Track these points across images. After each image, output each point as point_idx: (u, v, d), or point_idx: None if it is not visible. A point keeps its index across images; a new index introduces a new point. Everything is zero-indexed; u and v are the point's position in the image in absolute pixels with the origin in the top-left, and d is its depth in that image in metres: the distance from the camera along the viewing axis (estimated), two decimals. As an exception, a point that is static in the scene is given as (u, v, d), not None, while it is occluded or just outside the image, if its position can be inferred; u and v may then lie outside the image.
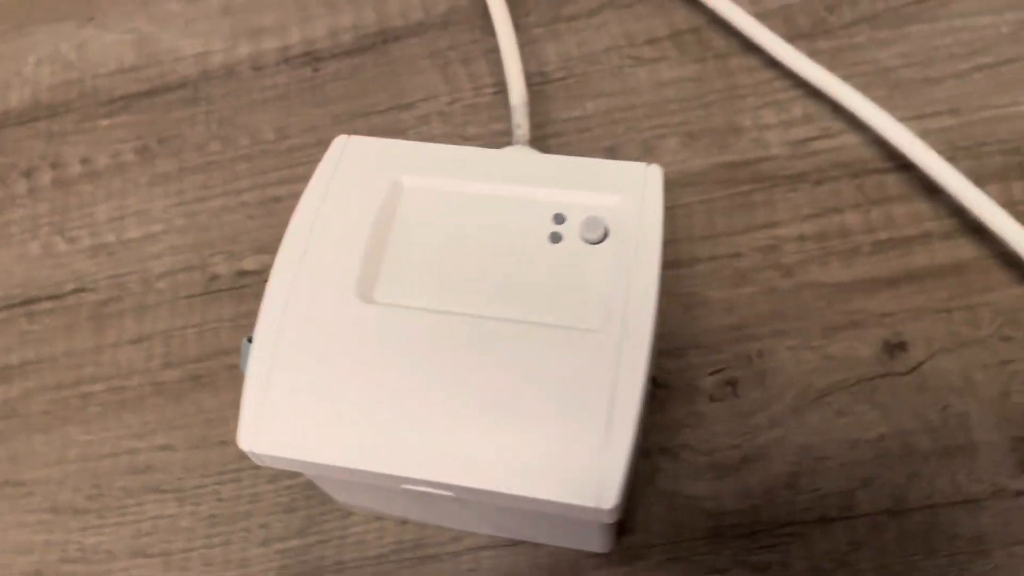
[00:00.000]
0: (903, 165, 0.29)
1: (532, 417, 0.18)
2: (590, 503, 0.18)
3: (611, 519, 0.19)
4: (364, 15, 0.35)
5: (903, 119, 0.30)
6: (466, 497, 0.19)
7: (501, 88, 0.32)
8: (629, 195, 0.21)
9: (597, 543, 0.24)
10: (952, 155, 0.29)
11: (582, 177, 0.21)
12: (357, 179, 0.21)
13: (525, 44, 0.33)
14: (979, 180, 0.28)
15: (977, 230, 0.28)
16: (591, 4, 0.33)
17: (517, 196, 0.21)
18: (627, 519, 0.25)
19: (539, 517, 0.22)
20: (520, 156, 0.23)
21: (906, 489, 0.25)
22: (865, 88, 0.30)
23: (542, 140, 0.31)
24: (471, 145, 0.31)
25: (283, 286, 0.20)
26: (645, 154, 0.30)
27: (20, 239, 0.32)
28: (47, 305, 0.30)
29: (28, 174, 0.33)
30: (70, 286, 0.31)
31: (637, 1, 0.33)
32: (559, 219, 0.21)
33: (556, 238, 0.21)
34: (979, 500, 0.24)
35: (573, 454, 0.18)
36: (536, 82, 0.32)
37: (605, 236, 0.21)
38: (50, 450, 0.28)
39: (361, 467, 0.18)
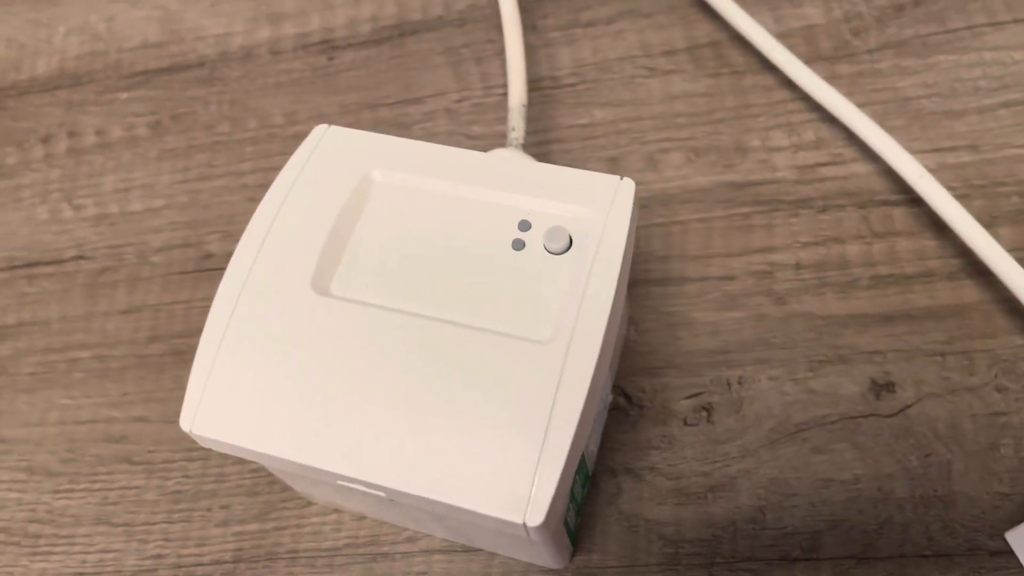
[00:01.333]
0: (913, 199, 0.28)
1: (468, 425, 0.18)
2: (516, 518, 0.17)
3: (540, 537, 0.18)
4: (384, 7, 0.35)
5: (918, 151, 0.28)
6: (398, 499, 0.19)
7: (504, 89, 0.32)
8: (597, 207, 0.20)
9: (549, 559, 0.23)
10: (966, 193, 0.28)
11: (555, 186, 0.21)
12: (329, 170, 0.21)
13: (540, 47, 0.33)
14: (992, 221, 0.27)
15: (983, 273, 0.26)
16: (611, 11, 0.33)
17: (486, 200, 0.21)
18: (584, 538, 0.25)
19: (485, 527, 0.21)
20: (503, 160, 0.22)
21: (876, 536, 0.24)
22: (882, 116, 0.29)
23: (545, 145, 0.31)
24: (474, 144, 0.31)
25: (241, 270, 0.20)
26: (648, 167, 0.30)
27: (30, 203, 0.33)
28: (47, 270, 0.31)
29: (46, 140, 0.34)
30: (71, 253, 0.31)
31: (659, 11, 0.33)
32: (524, 226, 0.20)
33: (519, 245, 0.20)
34: (951, 555, 0.23)
35: (504, 467, 0.18)
36: (547, 86, 0.32)
37: (569, 247, 0.20)
38: (32, 411, 0.29)
39: (293, 459, 0.18)
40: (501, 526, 0.18)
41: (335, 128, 0.22)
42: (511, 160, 0.22)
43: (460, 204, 0.21)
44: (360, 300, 0.20)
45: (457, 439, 0.18)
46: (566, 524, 0.22)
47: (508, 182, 0.21)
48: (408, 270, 0.20)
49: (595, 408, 0.19)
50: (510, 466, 0.18)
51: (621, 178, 0.21)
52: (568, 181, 0.21)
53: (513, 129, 0.27)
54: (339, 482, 0.19)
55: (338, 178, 0.21)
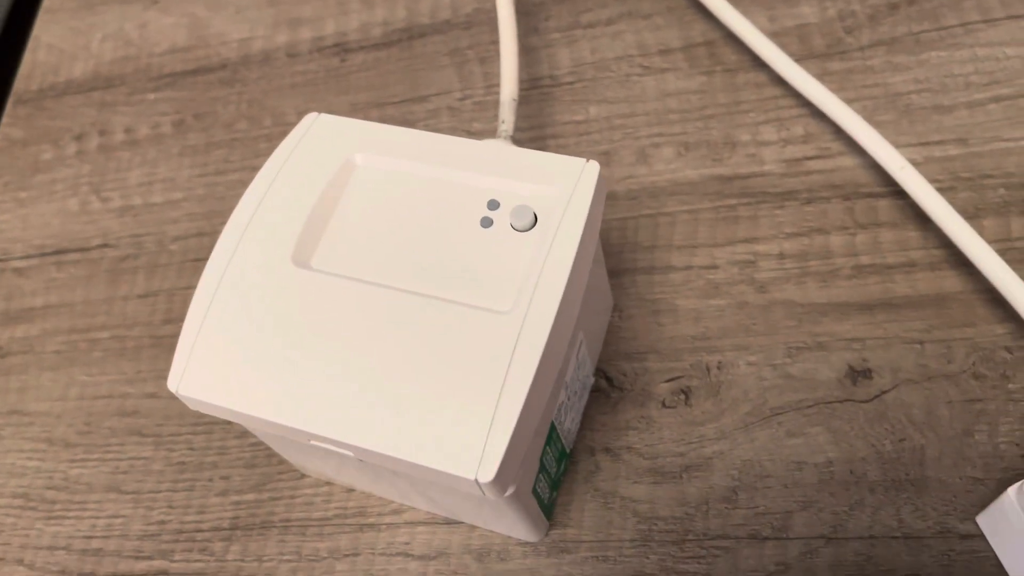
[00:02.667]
0: (898, 192, 0.28)
1: (428, 388, 0.19)
2: (468, 474, 0.18)
3: (494, 494, 0.19)
4: (395, 11, 0.36)
5: (905, 145, 0.29)
6: (363, 458, 0.20)
7: (510, 88, 0.33)
8: (562, 187, 0.21)
9: (523, 531, 0.24)
10: (952, 185, 0.28)
11: (524, 168, 0.22)
12: (315, 154, 0.23)
13: (542, 47, 0.34)
14: (977, 213, 0.27)
15: (965, 264, 0.27)
16: (610, 13, 0.34)
17: (458, 181, 0.22)
18: (560, 513, 0.25)
19: (463, 497, 0.22)
20: (485, 148, 0.23)
21: (846, 517, 0.24)
22: (871, 112, 0.30)
23: (541, 140, 0.32)
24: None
25: (229, 245, 0.22)
26: (639, 160, 0.30)
27: (62, 195, 0.35)
28: (74, 256, 0.33)
29: (79, 138, 0.36)
30: (96, 241, 0.33)
31: (656, 12, 0.34)
32: (493, 205, 0.21)
33: (487, 223, 0.21)
34: (921, 538, 0.23)
35: (460, 426, 0.19)
36: (546, 84, 0.33)
37: (533, 224, 0.21)
38: (54, 386, 0.31)
39: (268, 418, 0.20)
40: (457, 483, 0.19)
41: (324, 116, 0.24)
42: (490, 146, 0.23)
43: (434, 185, 0.22)
44: (337, 273, 0.21)
45: (417, 400, 0.19)
46: (537, 495, 0.23)
47: (481, 165, 0.22)
48: (383, 246, 0.21)
49: (554, 376, 0.20)
50: (465, 425, 0.19)
51: (587, 160, 0.22)
52: (537, 164, 0.22)
53: (503, 122, 0.28)
54: (312, 442, 0.20)
55: (323, 161, 0.23)
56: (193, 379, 0.21)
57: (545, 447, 0.23)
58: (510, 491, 0.20)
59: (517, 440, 0.19)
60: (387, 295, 0.20)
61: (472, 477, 0.18)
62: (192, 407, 0.21)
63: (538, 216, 0.21)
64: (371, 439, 0.19)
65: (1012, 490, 0.21)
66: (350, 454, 0.20)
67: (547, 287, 0.20)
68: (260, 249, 0.21)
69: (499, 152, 0.23)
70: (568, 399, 0.24)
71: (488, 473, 0.18)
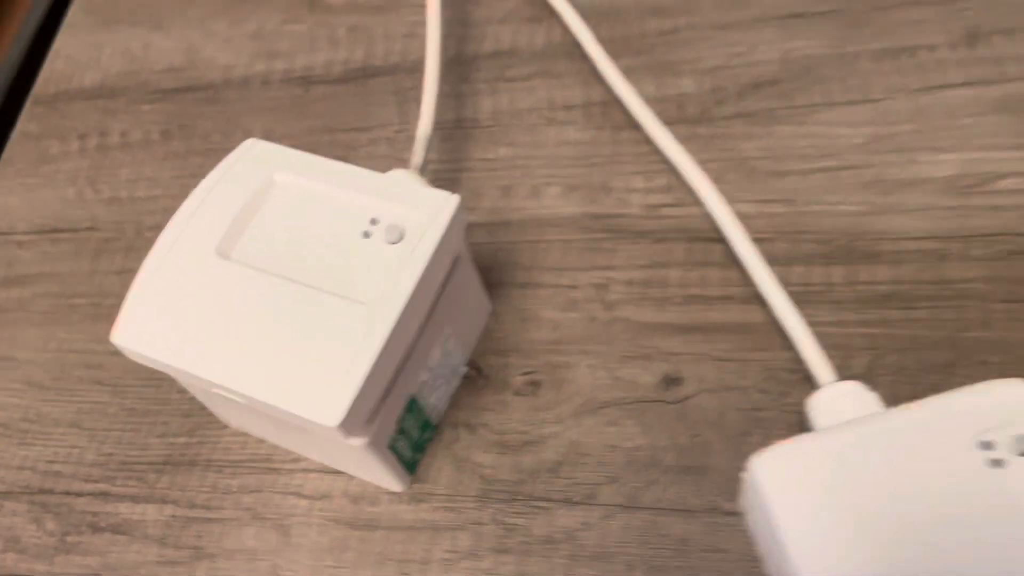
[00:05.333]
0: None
1: (299, 351, 0.26)
2: (319, 419, 0.25)
3: (340, 437, 0.25)
4: (355, 53, 0.43)
5: (743, 200, 0.35)
6: (244, 402, 0.26)
7: (439, 126, 0.40)
8: (428, 212, 0.28)
9: (390, 481, 0.30)
10: (773, 237, 0.34)
11: (406, 197, 0.28)
12: (247, 171, 0.29)
13: (469, 95, 0.41)
14: (790, 261, 0.34)
15: (765, 301, 0.33)
16: (530, 70, 0.41)
17: (352, 202, 0.29)
18: (423, 471, 0.32)
19: (334, 446, 0.29)
20: (383, 178, 0.30)
21: (642, 492, 0.30)
22: (722, 171, 0.36)
23: (456, 172, 0.38)
24: (403, 166, 0.39)
25: (170, 236, 0.28)
26: (531, 195, 0.37)
27: (63, 184, 0.42)
28: (66, 235, 0.40)
29: (83, 137, 0.43)
30: (85, 224, 0.40)
31: (567, 74, 0.40)
32: (373, 222, 0.28)
33: (367, 235, 0.28)
34: (694, 512, 0.29)
35: (318, 379, 0.25)
36: (467, 126, 0.40)
37: (401, 239, 0.28)
38: (38, 340, 0.37)
39: (179, 367, 0.26)
40: (311, 426, 0.25)
41: (261, 142, 0.30)
42: (390, 177, 0.30)
43: (332, 203, 0.29)
44: (250, 265, 0.28)
45: (289, 359, 0.26)
46: (397, 452, 0.29)
47: (373, 190, 0.29)
48: (287, 246, 0.28)
49: (402, 352, 0.27)
50: (322, 379, 0.25)
51: (451, 194, 0.28)
52: (415, 193, 0.28)
53: (415, 155, 0.34)
54: (213, 389, 0.27)
55: (252, 177, 0.29)
56: (130, 335, 0.27)
57: (406, 415, 0.29)
58: (361, 441, 0.27)
59: (364, 396, 0.25)
60: (282, 283, 0.27)
61: (321, 421, 0.25)
62: (130, 356, 0.28)
63: (405, 233, 0.28)
64: (246, 385, 0.26)
65: (743, 474, 0.27)
66: (237, 399, 0.26)
67: (399, 286, 0.26)
68: (193, 241, 0.28)
69: (395, 182, 0.29)
70: (433, 380, 0.30)
71: (334, 419, 0.25)
